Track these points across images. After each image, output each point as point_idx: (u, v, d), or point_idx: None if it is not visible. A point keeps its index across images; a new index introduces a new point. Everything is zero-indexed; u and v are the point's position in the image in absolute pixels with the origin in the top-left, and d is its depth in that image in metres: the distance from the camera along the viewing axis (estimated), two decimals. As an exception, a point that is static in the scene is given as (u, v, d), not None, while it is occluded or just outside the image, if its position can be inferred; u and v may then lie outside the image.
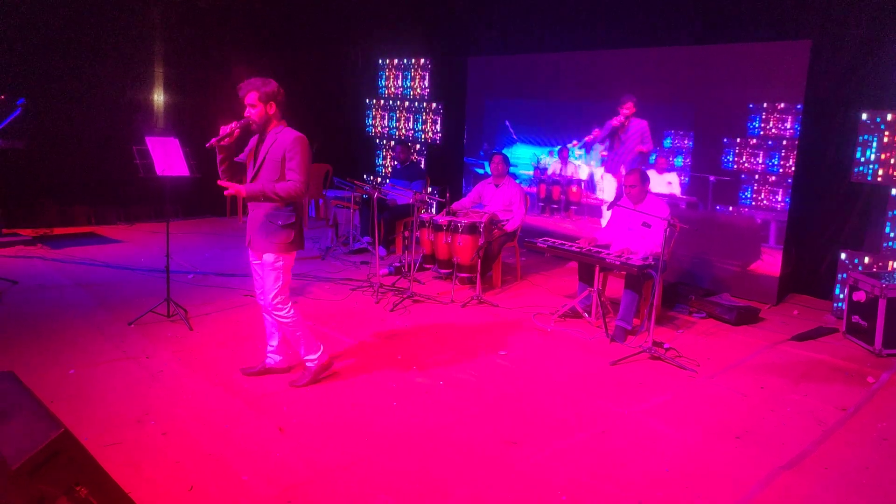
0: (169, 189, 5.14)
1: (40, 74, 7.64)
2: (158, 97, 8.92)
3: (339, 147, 10.52)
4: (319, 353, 3.87)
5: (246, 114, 3.50)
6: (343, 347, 4.55)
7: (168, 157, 4.91)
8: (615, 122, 7.16)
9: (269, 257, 3.60)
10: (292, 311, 3.73)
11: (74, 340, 4.37)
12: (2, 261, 6.16)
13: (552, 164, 7.97)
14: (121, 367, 3.98)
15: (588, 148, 7.60)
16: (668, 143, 6.81)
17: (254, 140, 3.67)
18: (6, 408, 2.36)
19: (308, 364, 3.85)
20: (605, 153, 7.43)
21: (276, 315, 3.71)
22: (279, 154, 3.49)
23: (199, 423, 3.37)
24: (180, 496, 2.73)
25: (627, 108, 7.06)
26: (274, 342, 3.94)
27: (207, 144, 3.42)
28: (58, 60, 7.80)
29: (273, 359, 3.97)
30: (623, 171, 7.14)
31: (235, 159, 3.65)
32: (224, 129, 3.41)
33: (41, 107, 7.26)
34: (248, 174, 3.63)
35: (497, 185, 6.60)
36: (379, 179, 10.28)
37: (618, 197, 5.83)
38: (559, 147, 7.87)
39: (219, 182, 3.55)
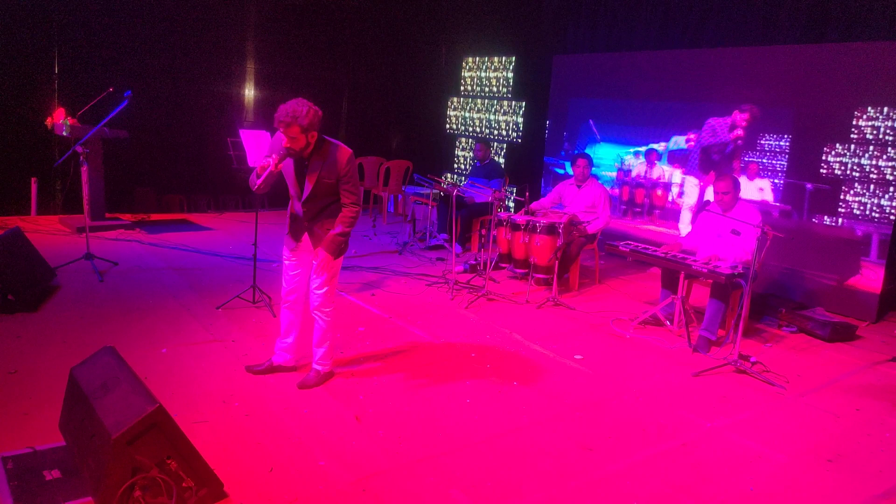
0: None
1: (143, 69, 8.11)
2: (249, 92, 9.28)
3: (419, 144, 10.63)
4: (332, 360, 3.89)
5: (286, 144, 3.43)
6: (418, 342, 4.59)
7: (259, 150, 5.09)
8: (733, 135, 6.49)
9: (326, 257, 3.59)
10: (334, 313, 3.77)
11: (167, 320, 4.61)
12: (104, 243, 6.57)
13: (637, 165, 7.76)
14: (209, 349, 4.16)
15: (680, 154, 7.28)
16: (761, 146, 6.49)
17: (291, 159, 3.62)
18: (108, 381, 2.51)
19: (317, 367, 3.81)
20: (687, 147, 7.12)
21: (321, 312, 3.70)
22: (333, 177, 3.52)
23: (280, 406, 3.48)
24: (261, 476, 2.82)
25: (747, 121, 6.42)
26: (289, 339, 3.86)
27: (253, 185, 3.57)
28: (158, 56, 8.25)
29: (283, 357, 3.90)
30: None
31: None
32: (267, 164, 3.45)
33: (141, 99, 7.70)
34: (291, 191, 3.65)
35: (579, 186, 6.47)
36: (457, 177, 10.31)
37: (703, 202, 5.61)
38: (646, 149, 7.65)
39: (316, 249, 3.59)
